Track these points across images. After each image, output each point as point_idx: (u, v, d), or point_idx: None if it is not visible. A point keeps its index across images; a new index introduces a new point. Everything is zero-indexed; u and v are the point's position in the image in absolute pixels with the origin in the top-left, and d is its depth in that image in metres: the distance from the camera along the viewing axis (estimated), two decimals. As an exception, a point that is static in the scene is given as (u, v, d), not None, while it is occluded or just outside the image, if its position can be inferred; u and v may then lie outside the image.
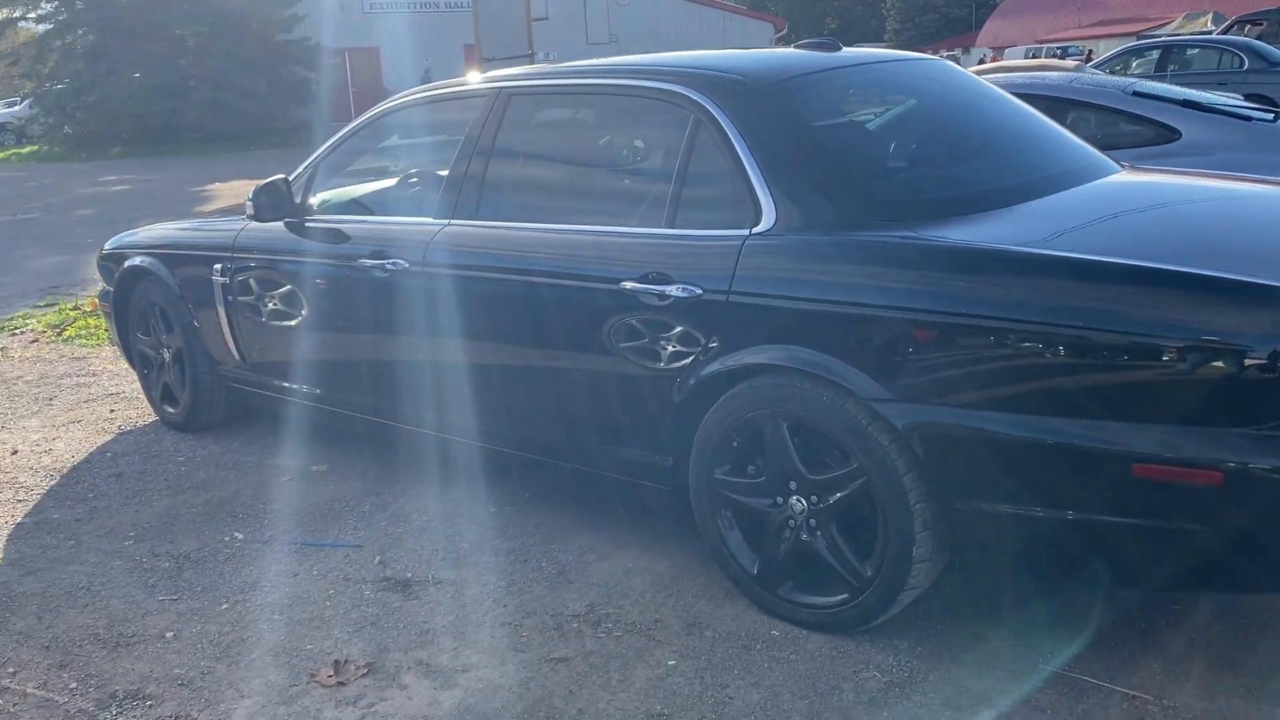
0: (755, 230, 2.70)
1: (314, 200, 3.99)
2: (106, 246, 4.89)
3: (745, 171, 2.75)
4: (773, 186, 2.71)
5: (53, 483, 4.14)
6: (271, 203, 3.83)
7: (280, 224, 3.93)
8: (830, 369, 2.53)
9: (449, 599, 3.04)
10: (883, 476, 2.51)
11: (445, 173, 3.58)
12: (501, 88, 3.44)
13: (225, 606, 3.08)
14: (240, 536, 3.56)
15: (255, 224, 3.97)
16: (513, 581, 3.12)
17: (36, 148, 27.06)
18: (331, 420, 4.04)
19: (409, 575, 3.20)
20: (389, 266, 3.49)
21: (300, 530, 3.58)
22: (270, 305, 3.98)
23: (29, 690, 2.70)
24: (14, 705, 2.64)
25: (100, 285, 5.08)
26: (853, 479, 2.58)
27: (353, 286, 3.66)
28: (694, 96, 2.91)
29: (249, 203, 3.87)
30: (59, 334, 6.59)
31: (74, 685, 2.71)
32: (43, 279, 8.61)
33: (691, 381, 2.80)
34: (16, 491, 4.06)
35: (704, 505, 2.88)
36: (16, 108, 31.15)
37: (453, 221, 3.41)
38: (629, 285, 2.87)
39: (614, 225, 3.04)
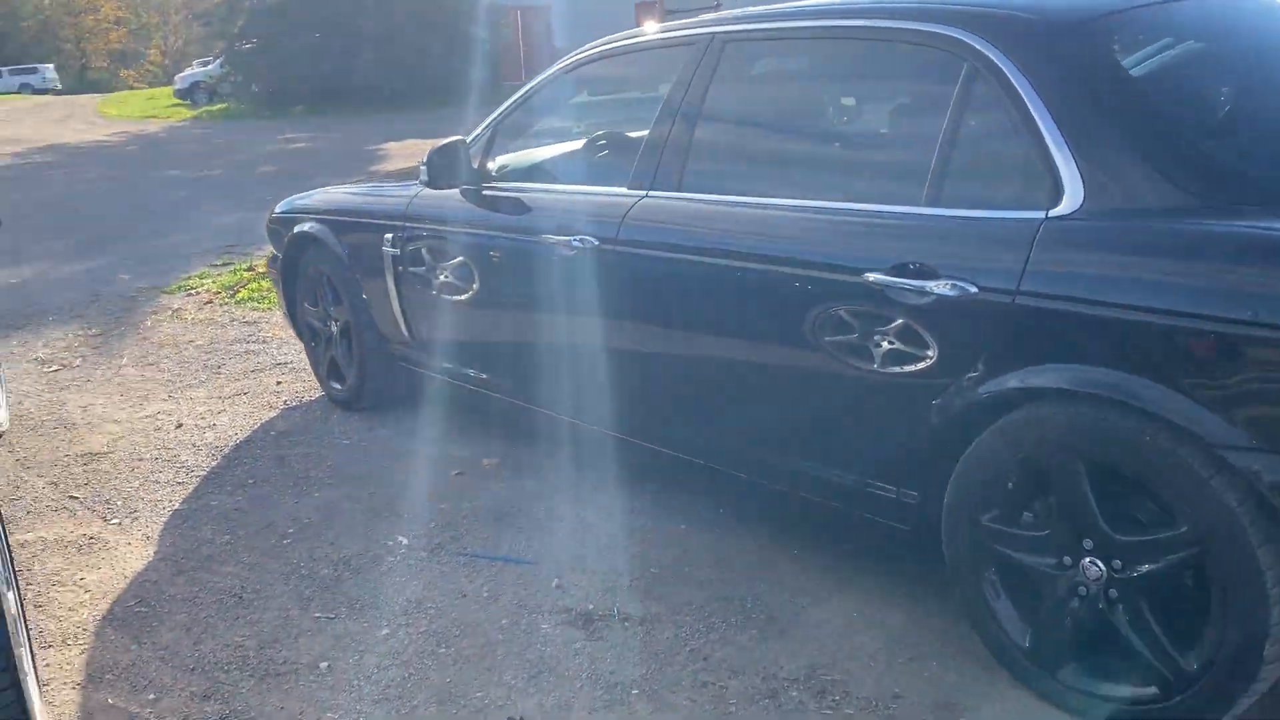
0: (1054, 212, 2.08)
1: (493, 165, 3.56)
2: (276, 210, 4.62)
3: (1041, 135, 2.13)
4: (1079, 156, 2.08)
5: (214, 463, 3.89)
6: (447, 167, 3.42)
7: (456, 191, 3.52)
8: (1158, 402, 1.90)
9: (638, 643, 2.57)
10: (1226, 547, 1.88)
11: (642, 135, 3.07)
12: (715, 33, 2.89)
13: (385, 632, 2.70)
14: (405, 541, 3.19)
15: (429, 191, 3.56)
16: (712, 626, 2.62)
17: (225, 105, 28.11)
18: (504, 408, 3.63)
19: (590, 606, 2.75)
20: (574, 244, 3.01)
21: (469, 537, 3.18)
22: (442, 281, 3.58)
23: (169, 726, 2.38)
24: (151, 744, 2.33)
25: (269, 250, 4.83)
26: (1179, 546, 1.95)
27: (533, 264, 3.21)
28: (970, 41, 2.28)
29: (423, 167, 3.46)
30: (232, 295, 6.47)
31: (217, 724, 2.38)
32: (221, 237, 8.61)
33: (956, 402, 2.21)
34: (177, 472, 3.83)
35: (961, 556, 2.30)
36: (209, 66, 32.49)
37: (651, 193, 2.90)
38: (875, 278, 2.29)
39: (856, 202, 2.47)
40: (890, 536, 2.49)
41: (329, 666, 2.56)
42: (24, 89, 43.32)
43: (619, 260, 2.90)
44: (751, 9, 2.92)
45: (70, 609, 2.90)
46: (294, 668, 2.57)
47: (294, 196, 4.64)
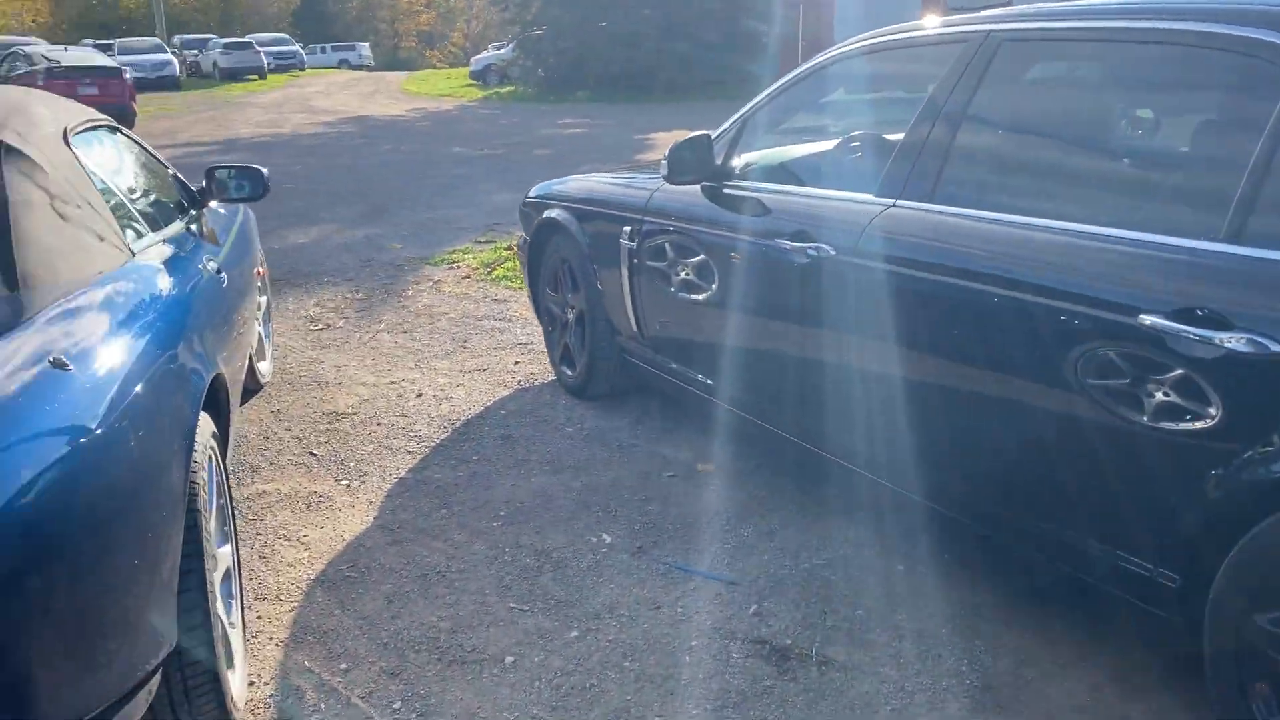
0: (1394, 264, 1.69)
1: (738, 162, 3.41)
2: (530, 193, 4.68)
3: (1385, 168, 1.74)
4: None
5: (444, 436, 3.99)
6: (688, 162, 3.30)
7: (697, 188, 3.40)
8: None
9: (834, 692, 2.36)
10: None
11: (897, 139, 2.82)
12: (990, 30, 2.60)
13: (575, 635, 2.63)
14: (608, 540, 3.12)
15: (670, 186, 3.46)
16: (920, 685, 2.37)
17: (513, 88, 29.50)
18: (725, 415, 3.48)
19: (788, 642, 2.56)
20: (811, 252, 2.82)
21: (672, 544, 3.07)
22: (674, 279, 3.47)
23: (354, 699, 2.41)
24: (335, 715, 2.36)
25: (520, 232, 4.92)
26: None
27: (767, 270, 3.04)
28: (1301, 49, 1.91)
29: (664, 161, 3.36)
30: (489, 272, 6.68)
31: (397, 705, 2.38)
32: (490, 215, 8.96)
33: (1241, 476, 1.86)
34: (409, 441, 3.95)
35: (1225, 659, 1.94)
36: (501, 51, 34.22)
37: (899, 202, 2.66)
38: (1152, 321, 1.97)
39: (1136, 230, 2.13)
40: (1140, 617, 2.15)
41: (514, 662, 2.52)
42: (342, 64, 47.40)
43: (856, 273, 2.68)
44: (1038, 4, 2.60)
45: (289, 564, 3.03)
46: (480, 658, 2.54)
47: (549, 181, 4.68)
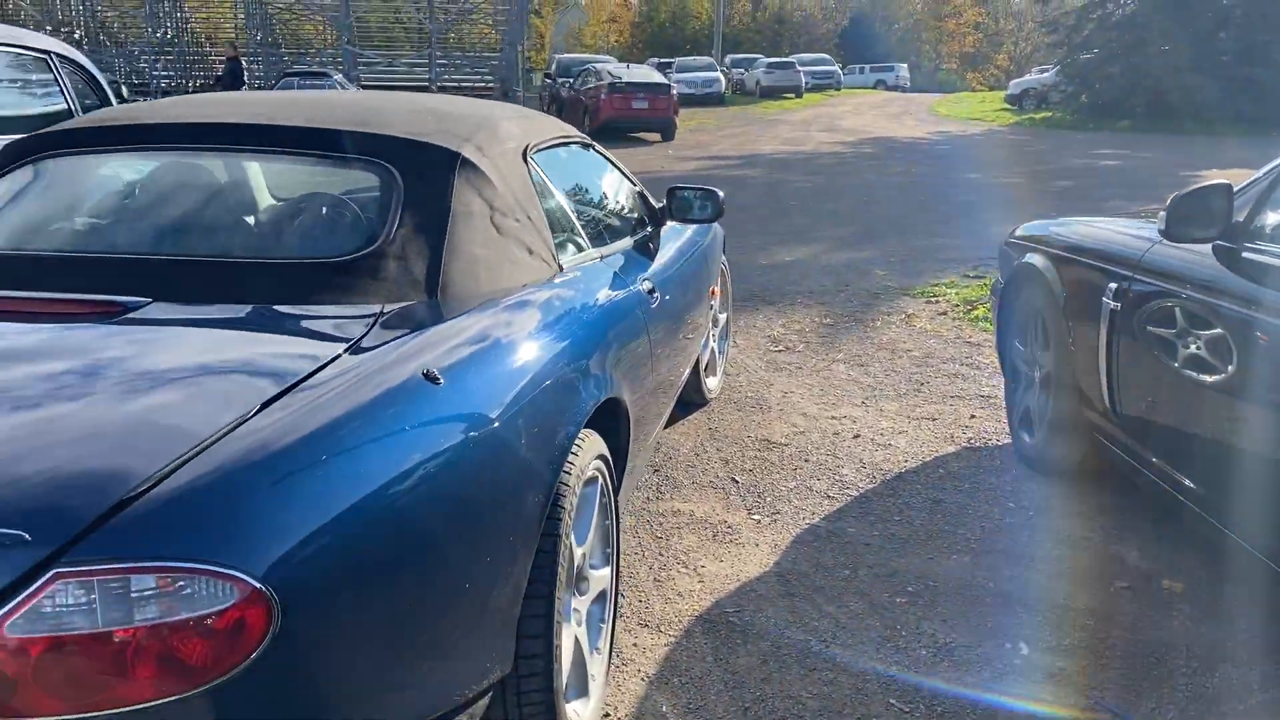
0: None
1: (1269, 220, 2.73)
2: (1014, 231, 4.22)
3: None
4: None
5: (870, 486, 3.71)
6: (1195, 217, 2.70)
7: (1207, 247, 2.78)
8: None
9: None
10: None
11: None
12: None
13: (952, 758, 2.25)
14: (1025, 651, 2.66)
15: (1171, 241, 2.87)
16: None
17: (1050, 114, 27.76)
18: (1218, 534, 2.82)
19: None
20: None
21: (1109, 678, 2.53)
22: (1166, 353, 2.88)
23: (693, 763, 2.25)
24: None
25: (995, 272, 4.46)
26: None
27: (1286, 360, 2.38)
28: None
29: (1162, 213, 2.79)
30: (968, 311, 6.22)
31: (734, 784, 2.18)
32: (986, 247, 8.38)
33: None
34: (831, 484, 3.72)
35: None
36: (1044, 75, 32.36)
37: None
38: None
39: None
40: None
41: (872, 772, 2.21)
42: (878, 85, 47.86)
43: None
44: None
45: (679, 594, 2.95)
46: (837, 755, 2.26)
47: (1041, 221, 4.19)
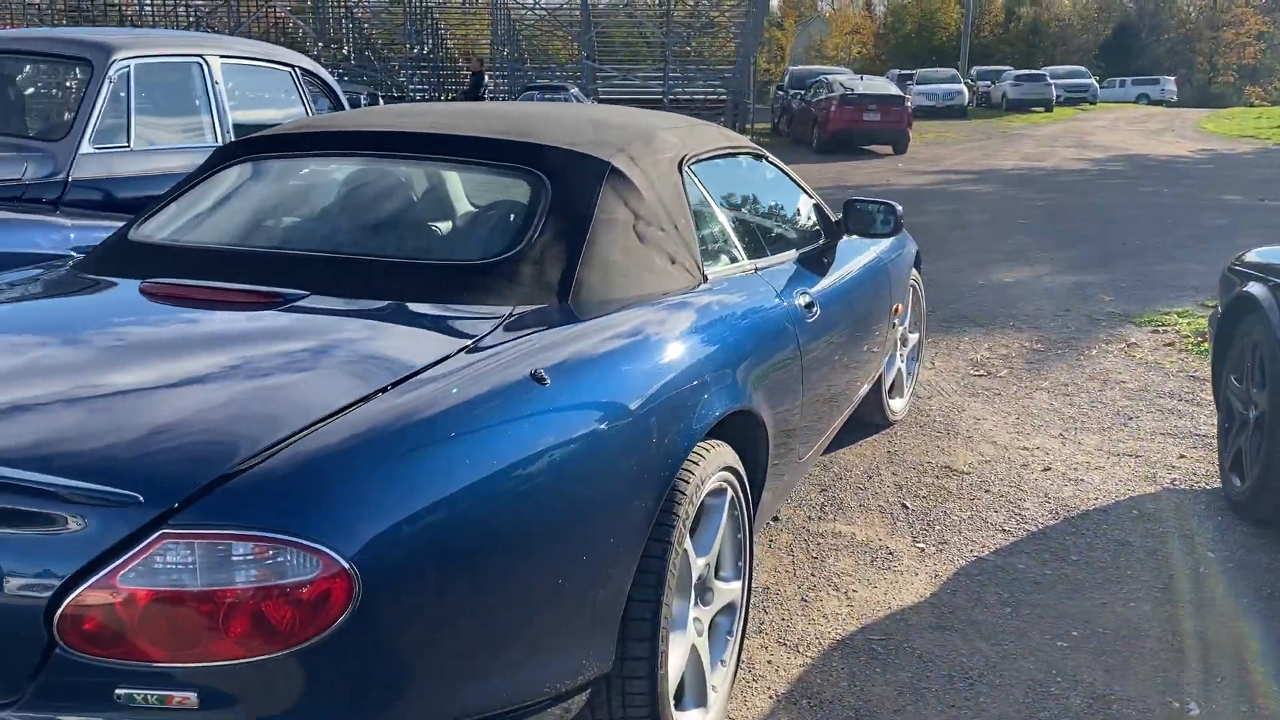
0: None
1: None
2: (1238, 257, 3.87)
3: None
4: None
5: (1051, 522, 3.49)
6: None
7: None
8: None
9: None
10: None
11: None
12: None
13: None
14: (1195, 712, 2.43)
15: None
16: None
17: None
18: None
19: None
20: None
21: (1286, 751, 2.28)
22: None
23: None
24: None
25: (1215, 302, 4.10)
26: None
27: None
28: None
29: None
30: (1197, 344, 5.73)
31: (843, 814, 2.12)
32: (1233, 275, 7.69)
33: None
34: (1009, 518, 3.53)
35: None
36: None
37: None
38: None
39: None
40: None
41: (993, 821, 2.09)
42: (1140, 99, 44.74)
43: None
44: None
45: (824, 616, 2.89)
46: (959, 799, 2.16)
47: (1270, 248, 3.82)
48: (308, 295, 2.07)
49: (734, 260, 2.74)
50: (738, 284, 2.63)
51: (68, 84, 4.67)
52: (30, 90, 4.82)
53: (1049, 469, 3.96)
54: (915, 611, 2.92)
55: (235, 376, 1.68)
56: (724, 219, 2.80)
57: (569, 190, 2.33)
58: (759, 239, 3.00)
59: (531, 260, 2.17)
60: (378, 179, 2.56)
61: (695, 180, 2.73)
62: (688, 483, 2.06)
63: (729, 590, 2.41)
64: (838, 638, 2.78)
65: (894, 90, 20.38)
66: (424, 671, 1.53)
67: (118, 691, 1.36)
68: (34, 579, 1.35)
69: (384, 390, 1.63)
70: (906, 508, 3.62)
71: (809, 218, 3.46)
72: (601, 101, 23.49)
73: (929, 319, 5.27)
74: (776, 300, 2.72)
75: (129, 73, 4.60)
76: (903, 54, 53.38)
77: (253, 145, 2.68)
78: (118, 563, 1.34)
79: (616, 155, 2.46)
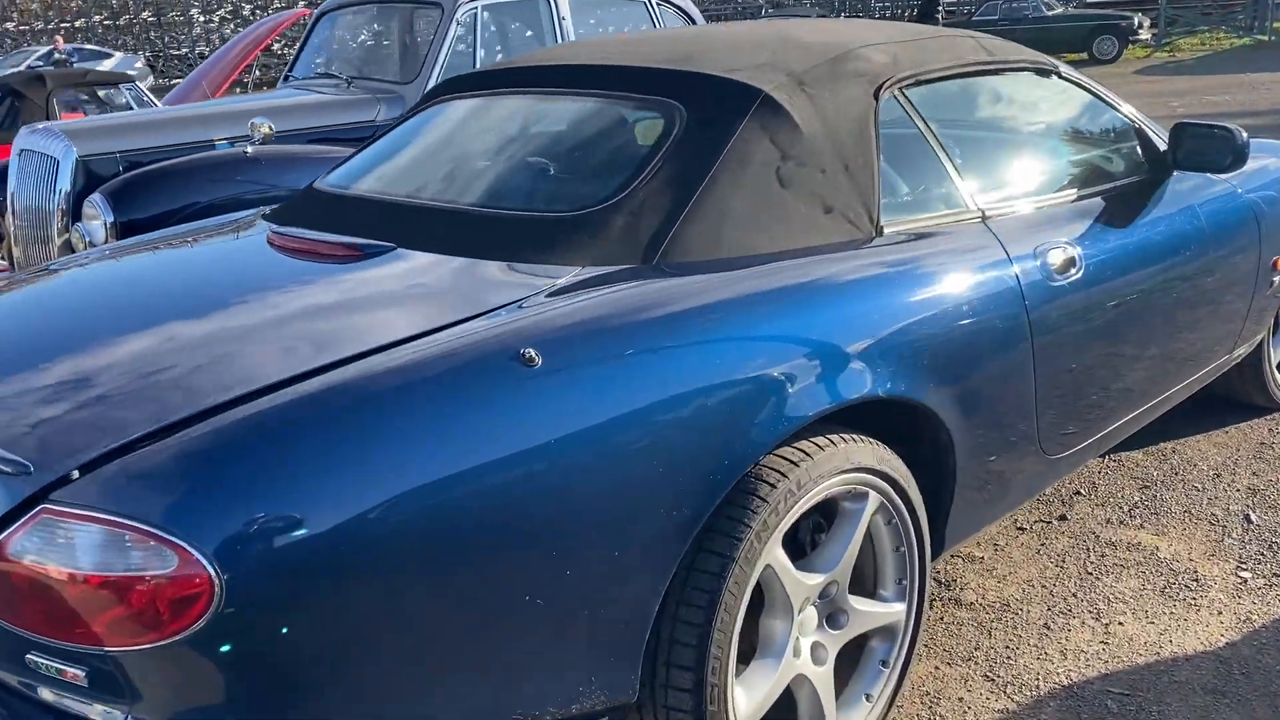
0: None
1: None
2: None
3: None
4: None
5: (1260, 583, 2.52)
6: None
7: None
8: None
9: None
10: None
11: None
12: None
13: None
14: None
15: None
16: None
17: None
18: None
19: None
20: None
21: None
22: None
23: None
24: None
25: None
26: None
27: None
28: None
29: None
30: None
31: None
32: None
33: None
34: (1243, 569, 2.60)
35: None
36: None
37: None
38: None
39: None
40: None
41: None
42: None
43: None
44: None
45: (1062, 653, 2.32)
46: None
47: None
48: (394, 249, 1.96)
49: (948, 207, 2.21)
50: (934, 238, 2.10)
51: (423, 26, 4.99)
52: (387, 39, 5.22)
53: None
54: (1191, 664, 2.25)
55: (202, 346, 1.59)
56: (945, 155, 2.25)
57: (703, 125, 1.99)
58: (1002, 179, 2.40)
59: (628, 212, 1.88)
60: (527, 118, 2.37)
61: (907, 107, 2.22)
62: (774, 486, 1.70)
63: (884, 613, 1.99)
64: (1065, 683, 2.22)
65: None
66: (327, 689, 1.37)
67: (28, 657, 1.37)
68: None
69: (327, 369, 1.47)
70: (1250, 521, 2.81)
71: (1107, 150, 2.72)
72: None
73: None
74: (1001, 259, 2.15)
75: (476, 13, 4.82)
76: None
77: (451, 86, 2.62)
78: (9, 530, 1.33)
79: (777, 81, 2.06)
